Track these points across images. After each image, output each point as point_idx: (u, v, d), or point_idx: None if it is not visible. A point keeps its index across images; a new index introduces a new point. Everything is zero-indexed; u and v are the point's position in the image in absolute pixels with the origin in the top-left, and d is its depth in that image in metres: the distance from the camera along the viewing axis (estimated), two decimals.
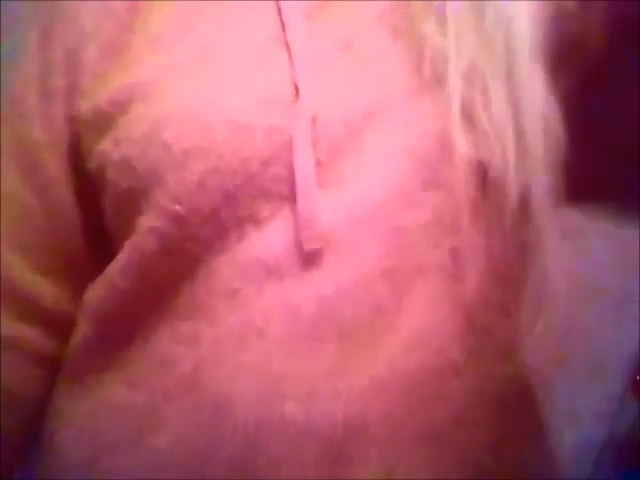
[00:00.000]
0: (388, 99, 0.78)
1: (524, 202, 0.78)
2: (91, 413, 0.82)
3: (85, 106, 0.82)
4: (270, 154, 0.75)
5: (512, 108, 0.79)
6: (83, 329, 0.84)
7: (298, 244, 0.76)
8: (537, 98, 0.78)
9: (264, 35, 0.81)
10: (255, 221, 0.76)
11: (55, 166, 0.84)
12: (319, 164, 0.76)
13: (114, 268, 0.83)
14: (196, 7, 0.84)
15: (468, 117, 0.78)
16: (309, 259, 0.76)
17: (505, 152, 0.78)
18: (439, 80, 0.78)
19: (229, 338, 0.76)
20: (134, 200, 0.78)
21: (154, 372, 0.78)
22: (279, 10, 0.82)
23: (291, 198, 0.76)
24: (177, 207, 0.75)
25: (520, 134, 0.78)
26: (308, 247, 0.75)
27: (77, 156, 0.84)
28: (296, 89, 0.77)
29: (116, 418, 0.79)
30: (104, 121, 0.81)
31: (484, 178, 0.77)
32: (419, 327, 0.78)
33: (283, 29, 0.81)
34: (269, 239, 0.76)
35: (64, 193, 0.84)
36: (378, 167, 0.78)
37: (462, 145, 0.77)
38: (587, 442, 1.80)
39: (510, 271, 0.80)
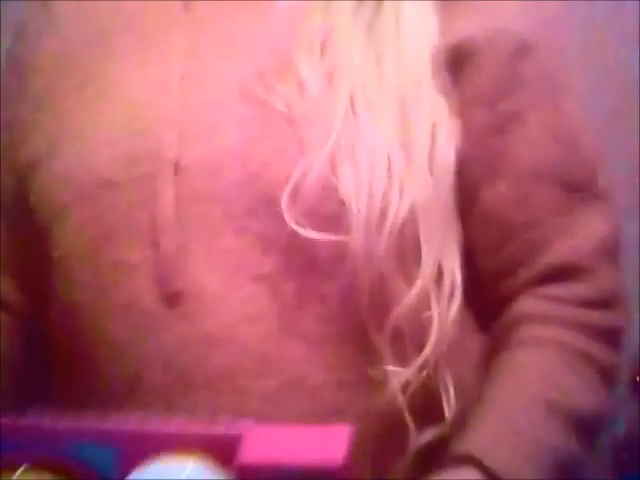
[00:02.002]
0: (247, 141, 0.79)
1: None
2: None
3: (18, 157, 0.88)
4: (134, 203, 0.80)
5: (403, 135, 0.79)
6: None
7: (161, 289, 0.78)
8: (430, 127, 0.79)
9: (146, 79, 0.85)
10: (127, 265, 0.79)
11: (13, 207, 0.90)
12: (183, 210, 0.78)
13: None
14: (100, 52, 0.89)
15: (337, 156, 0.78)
16: (175, 306, 0.78)
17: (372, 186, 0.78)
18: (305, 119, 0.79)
19: (113, 390, 0.79)
20: (40, 243, 0.85)
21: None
22: (164, 51, 0.84)
23: (153, 244, 0.79)
24: (58, 252, 0.83)
25: (409, 163, 0.79)
26: (169, 289, 0.77)
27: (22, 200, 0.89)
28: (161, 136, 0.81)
29: None
30: (26, 175, 0.88)
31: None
32: (290, 370, 0.78)
33: (168, 73, 0.84)
34: (139, 284, 0.79)
35: (22, 232, 0.89)
36: (240, 211, 0.79)
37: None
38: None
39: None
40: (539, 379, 0.82)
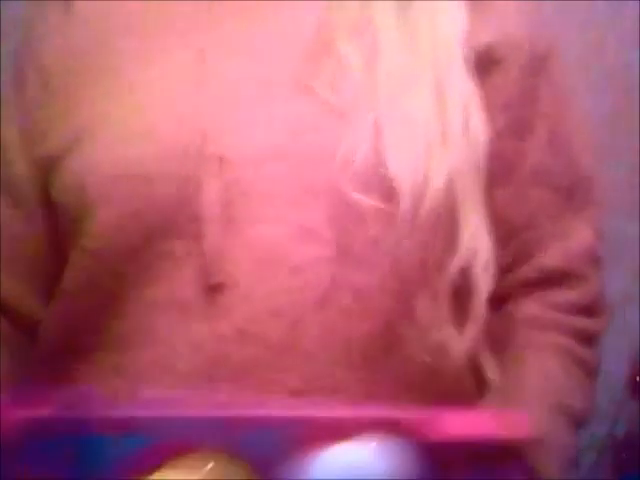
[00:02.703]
0: (290, 134, 0.80)
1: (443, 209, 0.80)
2: None
3: (39, 151, 0.87)
4: (179, 197, 0.80)
5: (439, 114, 0.81)
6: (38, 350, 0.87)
7: (206, 281, 0.78)
8: (463, 104, 0.81)
9: (181, 72, 0.85)
10: (171, 258, 0.79)
11: (37, 199, 0.88)
12: (226, 203, 0.78)
13: (55, 297, 0.87)
14: (124, 48, 0.87)
15: (381, 135, 0.80)
16: (212, 298, 0.78)
17: (420, 161, 0.79)
18: (351, 105, 0.80)
19: (142, 372, 0.79)
20: (68, 235, 0.86)
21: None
22: (200, 49, 0.84)
23: (198, 236, 0.79)
24: (92, 245, 0.83)
25: (444, 138, 0.80)
26: (212, 280, 0.78)
27: (44, 191, 0.88)
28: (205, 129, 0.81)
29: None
30: (49, 168, 0.88)
31: (391, 198, 0.78)
32: (314, 365, 0.78)
33: (202, 67, 0.84)
34: (182, 277, 0.79)
35: (45, 224, 0.90)
36: (280, 203, 0.79)
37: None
38: (587, 442, 1.80)
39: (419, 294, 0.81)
40: (545, 381, 0.87)
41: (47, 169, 0.88)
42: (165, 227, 0.81)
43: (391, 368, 0.81)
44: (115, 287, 0.83)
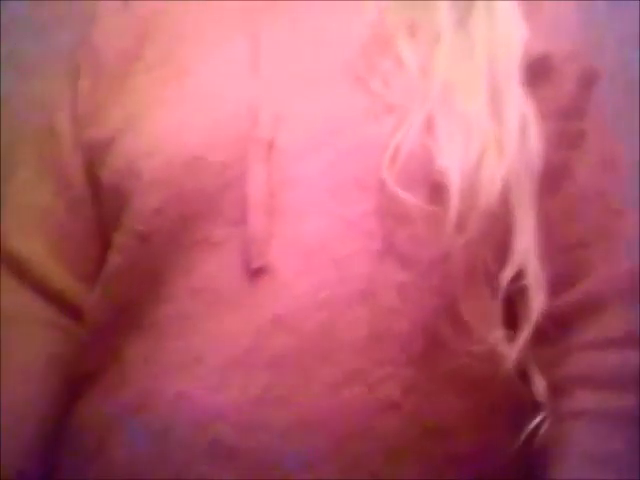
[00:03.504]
0: (341, 125, 0.80)
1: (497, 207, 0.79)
2: (71, 421, 0.85)
3: (89, 134, 0.88)
4: (225, 182, 0.80)
5: (494, 119, 0.81)
6: (83, 336, 0.88)
7: (245, 266, 0.78)
8: (520, 112, 0.81)
9: (234, 60, 0.84)
10: (210, 244, 0.79)
11: (83, 184, 0.89)
12: (270, 190, 0.78)
13: (97, 282, 0.87)
14: (179, 35, 0.88)
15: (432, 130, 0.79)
16: (250, 286, 0.78)
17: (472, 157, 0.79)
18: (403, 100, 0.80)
19: (173, 362, 0.79)
20: (113, 219, 0.88)
21: (116, 388, 0.81)
22: (255, 37, 0.84)
23: (241, 222, 0.79)
24: (140, 227, 0.85)
25: (499, 143, 0.80)
26: (254, 264, 0.77)
27: (92, 177, 0.89)
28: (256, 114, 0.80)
29: (86, 426, 0.82)
30: (100, 150, 0.85)
31: (440, 192, 0.78)
32: (353, 360, 0.78)
33: (256, 55, 0.84)
34: (221, 262, 0.79)
35: (90, 209, 0.89)
36: (326, 195, 0.79)
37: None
38: None
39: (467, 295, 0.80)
40: (594, 459, 0.85)
41: (98, 152, 0.89)
42: (209, 211, 0.81)
43: (434, 368, 0.80)
44: (156, 271, 0.83)
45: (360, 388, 0.78)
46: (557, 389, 0.85)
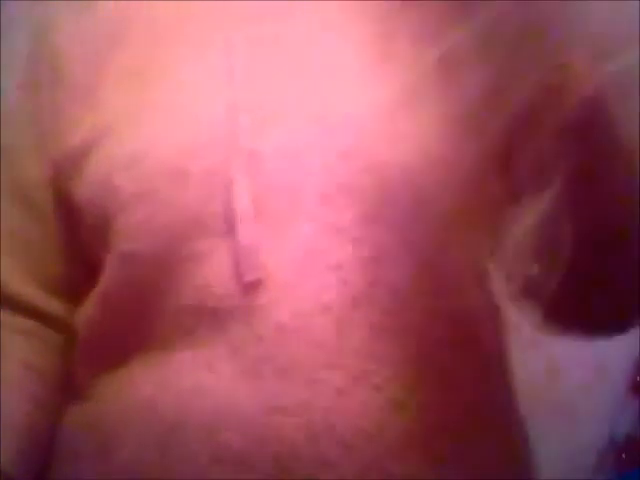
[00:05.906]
0: (323, 130, 0.79)
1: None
2: (69, 423, 0.85)
3: (59, 149, 0.86)
4: (207, 193, 0.78)
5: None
6: (77, 348, 0.87)
7: (238, 279, 0.78)
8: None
9: (211, 67, 0.83)
10: (200, 257, 0.78)
11: (49, 201, 0.88)
12: (256, 199, 0.78)
13: (90, 298, 0.87)
14: (153, 40, 0.86)
15: None
16: (248, 296, 0.77)
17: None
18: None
19: (183, 371, 0.79)
20: (98, 236, 0.82)
21: (120, 391, 0.80)
22: (228, 40, 0.83)
23: (228, 233, 0.78)
24: (125, 247, 0.80)
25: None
26: (248, 277, 0.77)
27: (60, 193, 0.88)
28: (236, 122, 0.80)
29: (88, 430, 0.82)
30: (72, 164, 0.85)
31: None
32: (358, 362, 0.78)
33: (232, 59, 0.83)
34: (214, 275, 0.78)
35: (54, 224, 0.88)
36: (311, 201, 0.79)
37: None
38: (587, 442, 1.80)
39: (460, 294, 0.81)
40: None
41: (69, 166, 0.86)
42: (195, 225, 0.79)
43: (435, 366, 0.80)
44: (151, 288, 0.81)
45: (367, 390, 0.78)
46: None
